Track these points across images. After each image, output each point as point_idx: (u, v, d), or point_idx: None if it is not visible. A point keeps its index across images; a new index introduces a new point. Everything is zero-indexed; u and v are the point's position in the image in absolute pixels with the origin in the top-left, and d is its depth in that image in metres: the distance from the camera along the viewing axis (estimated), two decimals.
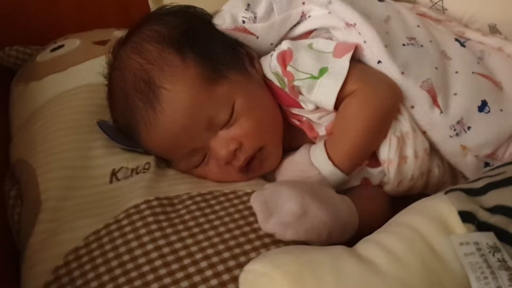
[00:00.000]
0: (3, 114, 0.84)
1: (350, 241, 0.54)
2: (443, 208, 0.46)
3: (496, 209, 0.45)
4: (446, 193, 0.49)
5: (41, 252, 0.55)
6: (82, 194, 0.62)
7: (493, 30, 0.75)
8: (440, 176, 0.66)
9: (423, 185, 0.65)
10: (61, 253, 0.54)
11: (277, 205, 0.53)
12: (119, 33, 0.88)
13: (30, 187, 0.64)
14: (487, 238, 0.42)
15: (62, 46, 0.88)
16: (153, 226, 0.55)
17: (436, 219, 0.46)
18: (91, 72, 0.74)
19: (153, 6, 0.92)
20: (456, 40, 0.71)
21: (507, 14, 0.74)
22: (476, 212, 0.45)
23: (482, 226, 0.44)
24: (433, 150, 0.65)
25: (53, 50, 0.88)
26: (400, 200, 0.66)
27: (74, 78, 0.78)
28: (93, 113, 0.71)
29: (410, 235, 0.45)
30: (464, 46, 0.71)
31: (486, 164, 0.65)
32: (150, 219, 0.56)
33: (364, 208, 0.58)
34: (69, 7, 1.00)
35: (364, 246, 0.46)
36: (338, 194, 0.58)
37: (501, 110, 0.64)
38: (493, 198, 0.46)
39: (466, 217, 0.45)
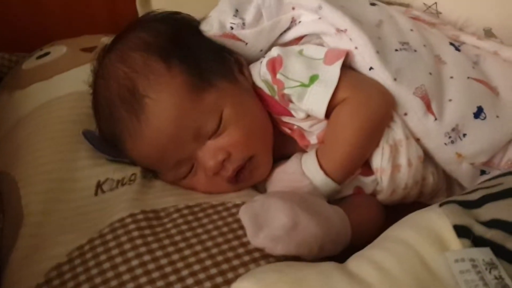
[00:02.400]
0: None
1: (343, 251, 0.53)
2: (437, 222, 0.45)
3: (493, 223, 0.44)
4: (440, 205, 0.47)
5: (22, 269, 0.53)
6: (67, 208, 0.60)
7: (489, 33, 0.73)
8: (434, 184, 0.64)
9: (417, 193, 0.64)
10: (43, 270, 0.52)
11: (267, 218, 0.52)
12: (107, 40, 0.85)
13: (12, 201, 0.62)
14: (483, 254, 0.41)
15: (48, 53, 0.86)
16: (138, 241, 0.53)
17: (431, 234, 0.44)
18: (77, 80, 0.72)
19: (141, 11, 0.91)
20: (451, 44, 0.70)
21: (502, 17, 0.72)
22: (471, 226, 0.44)
23: (478, 241, 0.43)
24: (427, 157, 0.63)
25: (39, 57, 0.86)
26: (393, 209, 0.65)
27: (59, 87, 0.76)
28: (78, 122, 0.69)
29: (403, 251, 0.44)
30: (459, 50, 0.69)
31: (482, 172, 0.64)
32: (135, 233, 0.54)
33: (356, 218, 0.56)
34: (56, 13, 0.99)
35: (356, 263, 0.44)
36: (330, 205, 0.56)
37: (497, 117, 0.63)
38: (490, 211, 0.45)
39: (461, 231, 0.43)
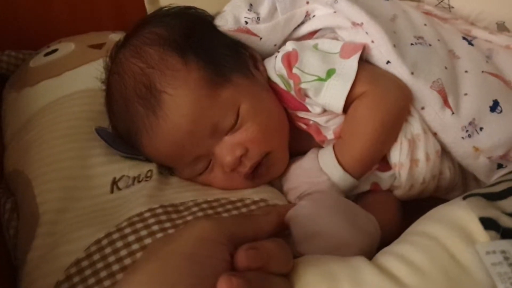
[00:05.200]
0: None
1: None
2: (462, 215, 0.44)
3: None
4: (464, 198, 0.47)
5: (40, 268, 0.53)
6: (82, 206, 0.59)
7: (501, 27, 0.73)
8: (451, 178, 0.64)
9: (434, 188, 0.64)
10: (62, 266, 0.52)
11: (315, 230, 0.50)
12: (115, 36, 0.86)
13: (26, 200, 0.61)
14: None
15: (56, 50, 0.85)
16: (159, 235, 0.52)
17: (457, 227, 0.44)
18: (87, 77, 0.72)
19: (149, 8, 0.90)
20: (464, 38, 0.70)
21: None
22: (497, 218, 0.43)
23: (505, 233, 0.42)
24: (444, 152, 0.63)
25: (46, 54, 0.85)
26: (409, 204, 0.64)
27: (69, 84, 0.75)
28: (90, 119, 0.68)
29: (430, 245, 0.43)
30: (472, 44, 0.69)
31: (499, 166, 0.64)
32: (156, 227, 0.53)
33: (380, 218, 0.56)
34: (62, 10, 0.97)
35: (384, 258, 0.44)
36: (365, 212, 0.55)
37: None
38: None
39: (488, 224, 0.43)
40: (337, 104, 0.59)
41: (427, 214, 0.48)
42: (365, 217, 0.54)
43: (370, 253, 0.51)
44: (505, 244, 0.41)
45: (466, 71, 0.65)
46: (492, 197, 0.46)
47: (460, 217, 0.44)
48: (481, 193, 0.47)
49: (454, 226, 0.44)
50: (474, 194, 0.47)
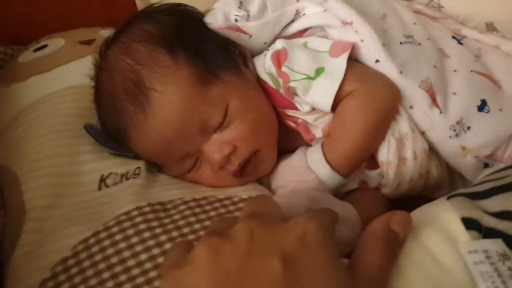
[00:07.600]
0: None
1: None
2: (445, 215, 0.45)
3: (503, 215, 0.44)
4: (448, 198, 0.47)
5: (26, 265, 0.52)
6: (70, 203, 0.59)
7: (491, 27, 0.73)
8: (438, 177, 0.64)
9: (421, 186, 0.64)
10: (48, 264, 0.51)
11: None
12: (105, 32, 0.86)
13: (13, 196, 0.61)
14: (496, 246, 0.41)
15: (45, 46, 0.84)
16: (146, 234, 0.52)
17: (439, 227, 0.44)
18: (77, 73, 0.71)
19: (139, 4, 0.90)
20: (453, 37, 0.70)
21: (504, 11, 0.72)
22: (480, 218, 0.44)
23: (489, 232, 0.43)
24: (431, 151, 0.63)
25: (36, 50, 0.84)
26: (396, 202, 0.65)
27: (59, 80, 0.75)
28: (79, 116, 0.68)
29: (411, 246, 0.43)
30: (461, 44, 0.70)
31: (485, 165, 0.64)
32: (143, 226, 0.53)
33: (363, 214, 0.56)
34: (52, 5, 0.96)
35: None
36: (340, 201, 0.55)
37: (500, 110, 0.63)
38: (499, 202, 0.45)
39: (469, 224, 0.43)
40: (326, 102, 0.59)
41: (410, 214, 0.48)
42: (340, 205, 0.54)
43: (345, 245, 0.52)
44: (487, 243, 0.41)
45: (455, 70, 0.65)
46: (476, 197, 0.46)
47: (442, 217, 0.45)
48: (465, 193, 0.47)
49: (436, 226, 0.44)
50: (458, 194, 0.47)
